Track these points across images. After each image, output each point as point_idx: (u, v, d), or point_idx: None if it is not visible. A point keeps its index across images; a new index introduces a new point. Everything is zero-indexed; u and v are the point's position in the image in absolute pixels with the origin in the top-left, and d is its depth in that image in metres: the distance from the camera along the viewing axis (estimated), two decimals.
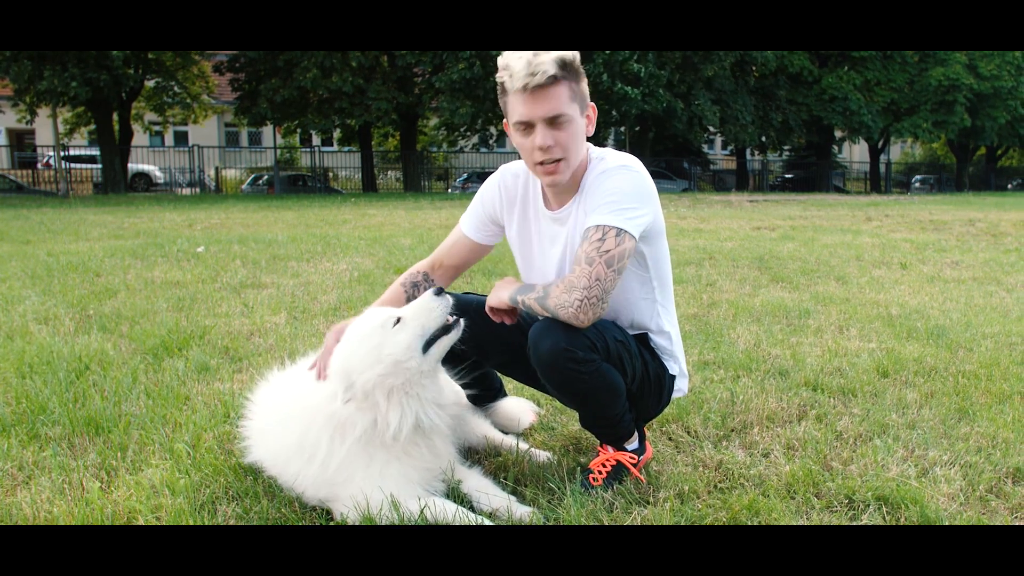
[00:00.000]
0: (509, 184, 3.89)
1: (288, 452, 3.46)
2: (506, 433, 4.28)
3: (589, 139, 3.62)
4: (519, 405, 4.45)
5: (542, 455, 4.05)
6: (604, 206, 3.39)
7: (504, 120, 3.60)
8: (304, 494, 3.44)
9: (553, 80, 3.33)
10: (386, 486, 3.31)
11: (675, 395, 3.97)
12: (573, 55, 3.41)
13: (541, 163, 3.47)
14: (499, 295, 3.68)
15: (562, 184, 3.56)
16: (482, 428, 4.26)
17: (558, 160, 3.45)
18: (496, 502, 3.45)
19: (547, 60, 3.31)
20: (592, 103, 3.61)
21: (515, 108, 3.43)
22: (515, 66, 3.35)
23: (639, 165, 3.56)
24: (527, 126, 3.43)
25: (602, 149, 3.66)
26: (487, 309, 3.75)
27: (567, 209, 3.65)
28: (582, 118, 3.50)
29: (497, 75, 3.48)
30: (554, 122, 3.39)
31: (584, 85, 3.50)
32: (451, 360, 3.86)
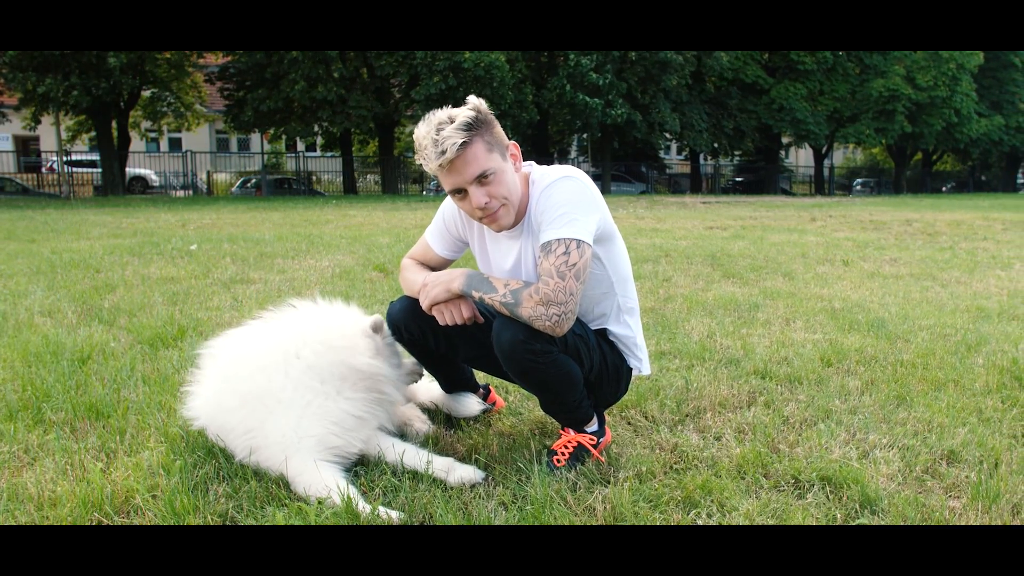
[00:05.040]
0: None
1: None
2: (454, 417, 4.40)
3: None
4: (472, 399, 4.41)
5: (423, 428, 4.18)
6: (558, 219, 3.34)
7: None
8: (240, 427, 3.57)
9: (464, 146, 3.27)
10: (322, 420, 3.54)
11: (637, 374, 3.99)
12: (476, 109, 3.36)
13: (484, 217, 3.47)
14: (448, 286, 3.58)
15: (510, 223, 3.54)
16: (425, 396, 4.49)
17: (498, 208, 3.44)
18: (440, 464, 3.54)
19: (451, 131, 3.25)
20: (513, 141, 3.55)
21: (443, 181, 3.42)
22: (425, 146, 3.30)
23: (579, 173, 3.51)
24: (459, 192, 3.41)
25: (541, 167, 3.61)
26: (428, 310, 3.65)
27: (519, 227, 3.61)
28: (506, 161, 3.45)
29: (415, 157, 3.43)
30: (482, 180, 3.35)
31: (497, 130, 3.43)
32: (424, 355, 3.89)
